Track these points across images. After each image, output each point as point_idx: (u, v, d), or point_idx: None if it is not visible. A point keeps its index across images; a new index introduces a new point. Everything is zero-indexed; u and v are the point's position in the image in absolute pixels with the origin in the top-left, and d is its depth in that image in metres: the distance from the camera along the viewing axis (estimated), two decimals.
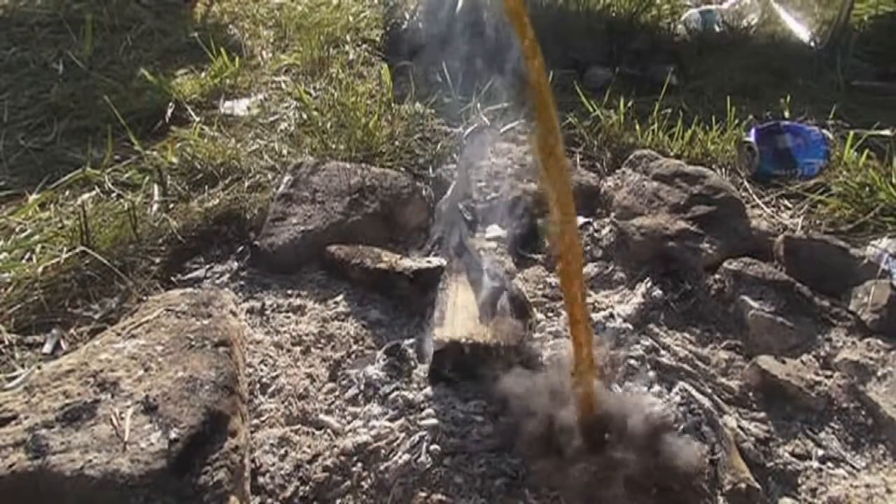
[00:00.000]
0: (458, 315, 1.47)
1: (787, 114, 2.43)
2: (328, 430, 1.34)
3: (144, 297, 1.60)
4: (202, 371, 1.24)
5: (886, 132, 2.24)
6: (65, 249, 1.67)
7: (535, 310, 1.60)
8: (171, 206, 1.91)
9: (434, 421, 1.32)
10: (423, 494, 1.21)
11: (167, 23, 2.98)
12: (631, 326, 1.58)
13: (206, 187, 1.99)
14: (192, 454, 1.11)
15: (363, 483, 1.24)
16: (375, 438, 1.30)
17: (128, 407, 1.15)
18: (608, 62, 2.80)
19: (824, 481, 1.29)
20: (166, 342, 1.31)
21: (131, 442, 1.09)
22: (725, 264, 1.70)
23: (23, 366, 1.43)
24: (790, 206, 2.04)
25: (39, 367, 1.36)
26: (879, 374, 1.45)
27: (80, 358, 1.26)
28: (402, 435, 1.30)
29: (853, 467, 1.32)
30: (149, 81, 2.44)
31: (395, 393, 1.39)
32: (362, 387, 1.42)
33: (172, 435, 1.11)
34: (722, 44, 2.93)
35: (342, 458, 1.27)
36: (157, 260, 1.73)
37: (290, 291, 1.68)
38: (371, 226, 1.84)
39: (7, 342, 1.48)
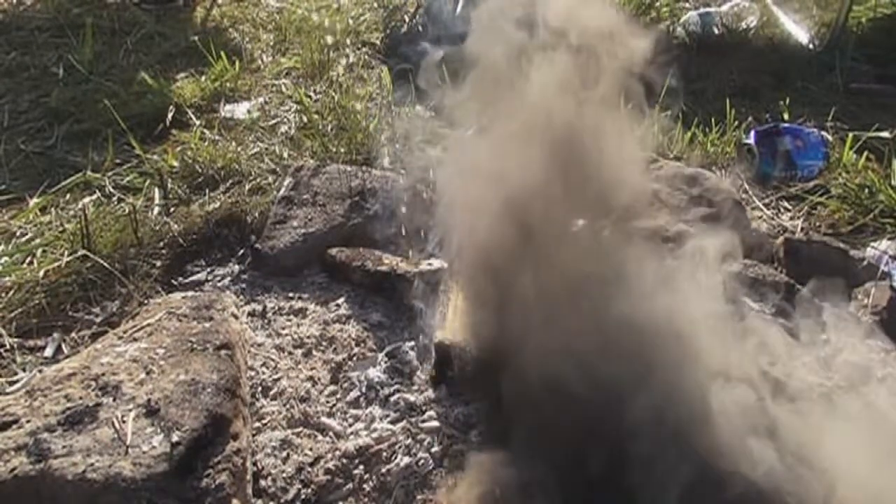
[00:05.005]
0: (460, 317, 1.47)
1: (786, 116, 2.44)
2: (330, 433, 1.34)
3: (146, 301, 1.60)
4: (204, 374, 1.24)
5: (885, 134, 2.25)
6: (66, 253, 1.67)
7: None
8: (172, 209, 1.92)
9: (435, 423, 1.33)
10: (424, 497, 1.21)
11: (167, 27, 2.99)
12: None
13: (207, 190, 2.00)
14: (194, 457, 1.11)
15: (365, 486, 1.24)
16: (377, 441, 1.30)
17: (130, 410, 1.15)
18: None
19: None
20: (168, 345, 1.31)
21: (133, 445, 1.09)
22: (725, 266, 1.70)
23: (24, 369, 1.43)
24: (790, 207, 2.05)
25: (41, 371, 1.36)
26: (880, 375, 1.45)
27: (81, 361, 1.26)
28: (404, 437, 1.30)
29: None
30: (149, 85, 2.45)
31: (397, 395, 1.39)
32: (364, 389, 1.42)
33: (174, 438, 1.11)
34: (721, 46, 2.93)
35: (344, 460, 1.27)
36: (158, 263, 1.73)
37: (291, 294, 1.68)
38: (372, 228, 1.84)
39: (8, 346, 1.48)
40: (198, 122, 2.32)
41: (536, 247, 1.33)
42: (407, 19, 3.12)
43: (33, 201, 1.91)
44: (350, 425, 1.35)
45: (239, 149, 2.17)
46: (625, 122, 1.40)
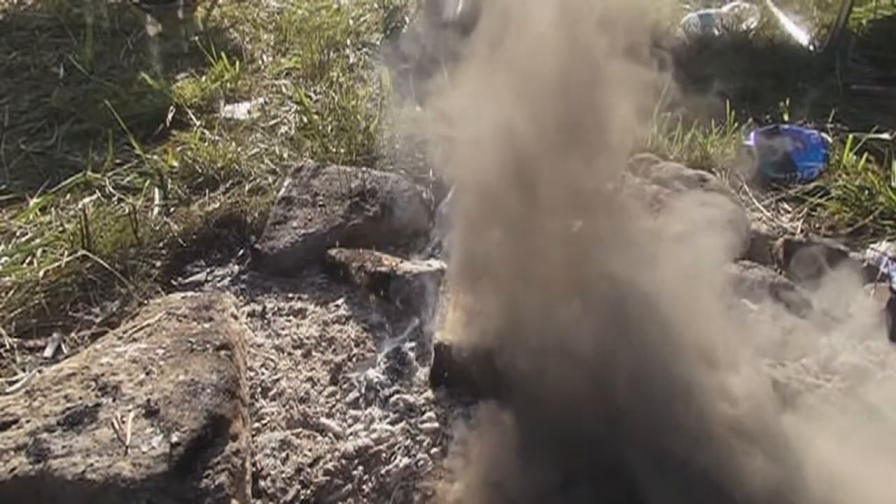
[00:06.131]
0: (459, 317, 1.47)
1: (786, 117, 2.44)
2: (329, 434, 1.34)
3: (145, 301, 1.60)
4: (203, 374, 1.24)
5: (885, 136, 2.25)
6: (66, 253, 1.68)
7: None
8: (172, 209, 1.92)
9: (435, 424, 1.33)
10: (424, 497, 1.21)
11: (168, 27, 2.99)
12: None
13: (207, 191, 2.00)
14: (193, 458, 1.11)
15: (364, 486, 1.24)
16: (376, 442, 1.30)
17: (129, 411, 1.15)
18: None
19: None
20: (167, 346, 1.31)
21: (133, 446, 1.09)
22: (725, 267, 1.70)
23: (24, 370, 1.43)
24: (790, 209, 2.05)
25: (41, 371, 1.36)
26: (880, 376, 1.45)
27: (81, 362, 1.26)
28: (403, 438, 1.30)
29: None
30: (149, 85, 2.45)
31: (396, 396, 1.39)
32: (363, 390, 1.42)
33: (174, 438, 1.11)
34: (721, 47, 2.93)
35: (343, 461, 1.27)
36: (158, 263, 1.73)
37: (290, 295, 1.68)
38: (372, 229, 1.84)
39: (8, 346, 1.48)
40: (198, 123, 2.32)
41: (536, 245, 1.33)
42: (407, 20, 3.12)
43: (33, 201, 1.91)
44: (349, 426, 1.35)
45: (239, 149, 2.17)
46: (629, 105, 1.39)
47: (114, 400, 1.18)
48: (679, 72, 2.79)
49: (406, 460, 1.26)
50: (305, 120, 2.33)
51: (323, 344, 1.54)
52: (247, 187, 2.01)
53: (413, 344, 1.51)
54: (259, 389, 1.42)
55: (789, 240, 1.77)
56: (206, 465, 1.11)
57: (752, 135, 2.21)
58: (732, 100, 2.40)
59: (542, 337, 1.25)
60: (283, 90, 2.58)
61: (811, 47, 2.93)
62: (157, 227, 1.82)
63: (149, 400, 1.17)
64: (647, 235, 1.43)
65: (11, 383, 1.38)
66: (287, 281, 1.72)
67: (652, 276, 1.30)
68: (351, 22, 3.11)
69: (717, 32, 3.00)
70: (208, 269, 1.77)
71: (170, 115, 2.32)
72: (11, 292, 1.59)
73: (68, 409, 1.15)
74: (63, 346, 1.52)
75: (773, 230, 1.90)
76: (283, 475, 1.26)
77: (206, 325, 1.38)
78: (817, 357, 1.52)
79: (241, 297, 1.67)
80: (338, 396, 1.42)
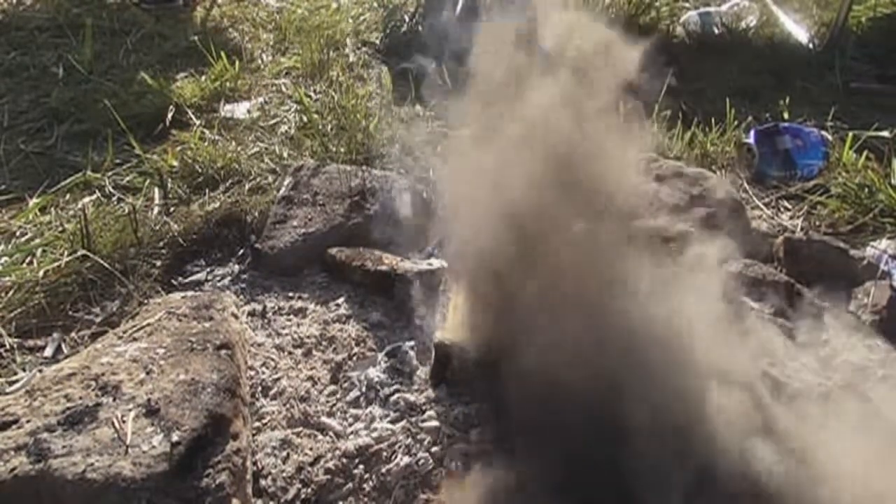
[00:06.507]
0: (460, 317, 1.47)
1: (786, 115, 2.44)
2: (330, 433, 1.34)
3: (145, 301, 1.60)
4: (204, 374, 1.24)
5: (885, 133, 2.25)
6: (66, 253, 1.68)
7: None
8: (172, 209, 1.92)
9: (435, 423, 1.33)
10: (425, 496, 1.21)
11: (167, 27, 2.99)
12: None
13: (207, 190, 2.00)
14: (194, 457, 1.11)
15: (365, 485, 1.24)
16: (377, 440, 1.30)
17: (130, 410, 1.15)
18: None
19: None
20: (168, 345, 1.31)
21: (133, 445, 1.09)
22: (725, 266, 1.70)
23: (24, 369, 1.43)
24: (790, 207, 2.05)
25: (41, 371, 1.36)
26: (880, 375, 1.45)
27: (81, 361, 1.26)
28: (404, 437, 1.30)
29: None
30: (149, 85, 2.45)
31: (397, 395, 1.39)
32: (364, 389, 1.42)
33: (174, 438, 1.11)
34: (721, 46, 2.93)
35: (344, 460, 1.27)
36: (158, 263, 1.73)
37: (291, 294, 1.68)
38: (372, 228, 1.84)
39: (8, 346, 1.48)
40: (198, 122, 2.32)
41: (537, 247, 1.33)
42: (407, 19, 3.12)
43: (33, 201, 1.91)
44: (350, 425, 1.35)
45: (239, 149, 2.17)
46: (624, 127, 1.42)
47: (114, 399, 1.18)
48: (679, 70, 2.79)
49: (407, 459, 1.26)
50: (305, 119, 2.33)
51: (323, 343, 1.54)
52: (247, 187, 2.01)
53: (413, 343, 1.51)
54: (259, 388, 1.42)
55: (789, 238, 1.77)
56: (206, 465, 1.11)
57: (751, 133, 2.21)
58: (732, 98, 2.40)
59: (543, 338, 1.25)
60: (283, 89, 2.58)
61: (811, 45, 2.93)
62: (157, 227, 1.82)
63: (149, 399, 1.17)
64: (648, 241, 1.43)
65: (11, 383, 1.38)
66: (287, 280, 1.72)
67: (653, 278, 1.30)
68: (351, 21, 3.10)
69: (716, 31, 3.00)
70: (208, 269, 1.77)
71: (169, 115, 2.32)
72: (11, 292, 1.59)
73: (68, 408, 1.15)
74: (63, 345, 1.52)
75: (773, 228, 1.90)
76: (284, 474, 1.26)
77: (207, 325, 1.38)
78: (817, 355, 1.52)
79: (241, 297, 1.66)
80: (338, 395, 1.42)
